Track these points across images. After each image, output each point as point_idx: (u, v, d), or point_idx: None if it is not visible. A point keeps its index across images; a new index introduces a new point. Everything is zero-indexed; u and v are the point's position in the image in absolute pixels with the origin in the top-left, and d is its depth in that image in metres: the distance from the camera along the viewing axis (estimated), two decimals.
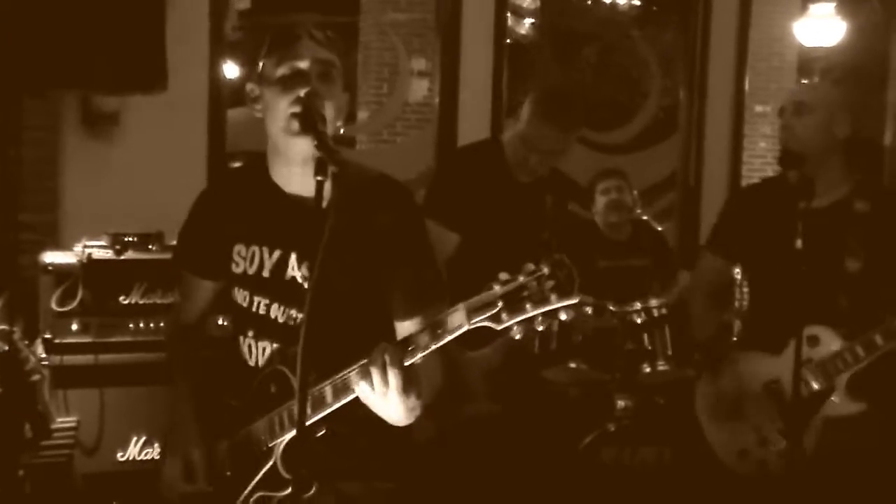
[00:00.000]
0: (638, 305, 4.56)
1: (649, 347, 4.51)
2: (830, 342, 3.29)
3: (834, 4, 8.38)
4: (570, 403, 4.73)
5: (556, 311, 1.88)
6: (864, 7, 7.93)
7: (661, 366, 4.51)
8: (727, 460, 3.55)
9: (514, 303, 1.89)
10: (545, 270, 1.89)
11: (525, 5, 8.80)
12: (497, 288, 1.91)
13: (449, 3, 5.91)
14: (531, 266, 1.91)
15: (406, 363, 2.00)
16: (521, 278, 1.89)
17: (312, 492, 2.13)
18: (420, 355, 2.00)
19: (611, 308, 4.54)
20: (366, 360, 2.03)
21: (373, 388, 2.02)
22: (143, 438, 4.11)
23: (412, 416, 2.11)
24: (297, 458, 2.13)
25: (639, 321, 4.52)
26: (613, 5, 8.59)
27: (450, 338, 1.96)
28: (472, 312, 1.93)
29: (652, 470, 4.46)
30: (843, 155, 3.39)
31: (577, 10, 8.58)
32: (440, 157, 5.77)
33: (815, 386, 3.30)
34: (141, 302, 4.14)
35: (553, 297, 1.88)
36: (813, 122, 3.35)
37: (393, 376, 2.00)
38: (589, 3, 8.66)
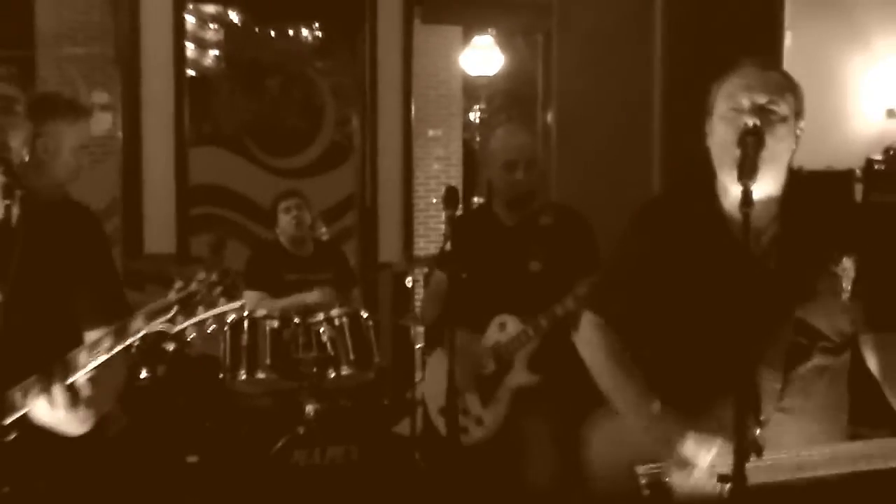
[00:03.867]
0: (321, 316, 4.92)
1: (332, 354, 4.84)
2: (514, 326, 3.93)
3: (492, 37, 9.10)
4: (260, 412, 5.01)
5: (223, 312, 2.18)
6: (514, 40, 8.68)
7: (345, 370, 4.86)
8: (439, 427, 4.08)
9: (187, 307, 2.14)
10: (214, 278, 2.15)
11: (208, 37, 8.93)
12: (172, 294, 2.16)
13: (128, 37, 6.06)
14: (202, 274, 2.17)
15: (73, 378, 2.21)
16: (193, 285, 2.15)
17: (5, 492, 2.25)
18: (104, 357, 2.21)
19: (295, 320, 4.88)
20: (33, 379, 2.23)
21: (43, 406, 2.22)
22: None
23: (85, 426, 2.31)
24: None
25: (322, 330, 4.87)
26: (296, 37, 8.87)
27: (131, 340, 2.19)
28: (149, 316, 2.16)
29: (341, 467, 4.77)
30: None
31: (260, 42, 8.78)
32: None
33: (495, 365, 3.97)
34: None
35: (221, 300, 2.15)
36: (539, 172, 4.08)
37: (58, 394, 2.21)
38: (273, 34, 8.88)
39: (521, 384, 3.94)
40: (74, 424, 2.30)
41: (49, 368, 2.23)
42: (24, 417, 2.30)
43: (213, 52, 8.67)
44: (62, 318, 2.45)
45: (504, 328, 3.98)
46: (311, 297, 5.25)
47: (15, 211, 2.23)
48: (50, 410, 2.23)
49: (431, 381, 4.22)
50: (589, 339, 2.76)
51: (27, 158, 2.46)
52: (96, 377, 2.29)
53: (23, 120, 2.46)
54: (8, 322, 2.11)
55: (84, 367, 2.25)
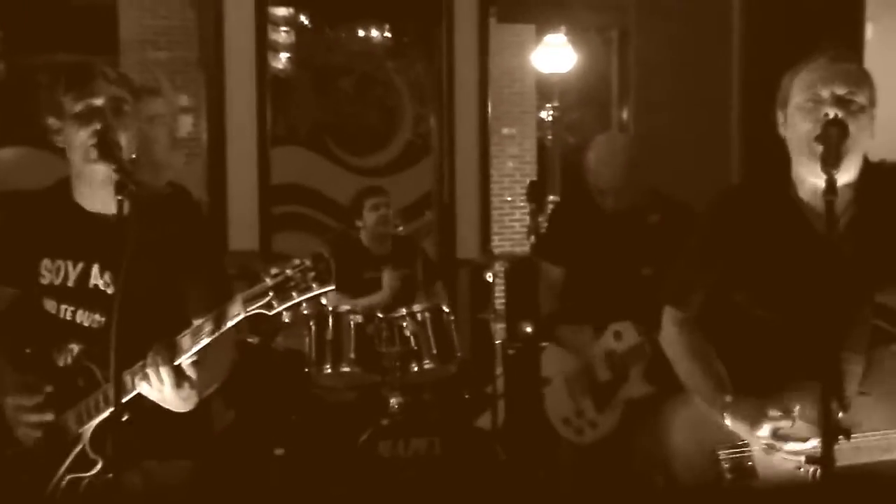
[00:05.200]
0: (403, 311, 5.01)
1: (416, 348, 4.91)
2: (630, 337, 3.92)
3: (564, 35, 9.13)
4: (345, 406, 5.11)
5: (318, 296, 2.25)
6: (587, 37, 8.70)
7: (427, 364, 4.92)
8: (555, 424, 4.12)
9: (282, 292, 2.23)
10: (307, 263, 2.23)
11: (280, 41, 9.07)
12: (268, 280, 2.25)
13: (212, 41, 6.23)
14: (296, 260, 2.25)
15: (178, 360, 2.36)
16: (288, 271, 2.23)
17: (119, 470, 2.33)
18: (206, 340, 2.35)
19: (378, 315, 4.97)
20: (143, 362, 2.38)
21: (151, 385, 2.38)
22: None
23: (188, 404, 2.46)
24: (105, 440, 2.40)
25: (404, 325, 4.96)
26: (367, 38, 8.97)
27: (229, 324, 2.31)
28: (246, 302, 2.27)
29: (424, 459, 4.82)
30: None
31: (331, 44, 8.90)
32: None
33: (610, 373, 3.95)
34: None
35: (314, 285, 2.22)
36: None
37: (165, 374, 2.36)
38: (343, 36, 8.98)
39: (637, 396, 3.93)
40: (179, 403, 2.44)
41: (157, 351, 2.37)
42: (136, 399, 2.43)
43: (285, 55, 8.83)
44: (171, 306, 2.57)
45: (620, 337, 3.97)
46: (378, 297, 5.35)
47: (126, 206, 2.35)
48: (157, 389, 2.38)
49: (552, 387, 4.20)
50: (670, 338, 2.81)
51: (135, 155, 2.60)
52: (200, 360, 2.42)
53: (131, 119, 2.59)
54: (121, 312, 2.23)
55: (188, 350, 2.38)
